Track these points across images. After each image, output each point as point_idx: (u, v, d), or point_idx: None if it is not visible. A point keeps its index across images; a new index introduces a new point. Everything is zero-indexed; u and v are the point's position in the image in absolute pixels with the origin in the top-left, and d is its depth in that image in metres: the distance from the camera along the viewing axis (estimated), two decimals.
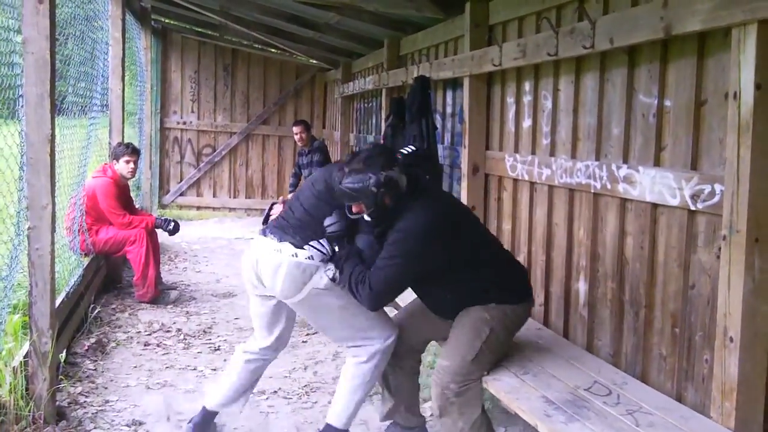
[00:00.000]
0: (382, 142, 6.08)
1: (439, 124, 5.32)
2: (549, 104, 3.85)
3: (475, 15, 4.54)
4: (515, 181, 4.22)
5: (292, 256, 3.12)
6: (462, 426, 2.99)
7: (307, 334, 5.21)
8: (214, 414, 3.53)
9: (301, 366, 4.56)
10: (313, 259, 3.13)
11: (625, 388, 2.84)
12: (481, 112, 4.59)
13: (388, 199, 2.95)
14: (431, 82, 5.14)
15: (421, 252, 2.93)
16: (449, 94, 5.34)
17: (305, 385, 4.24)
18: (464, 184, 4.64)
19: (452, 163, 5.16)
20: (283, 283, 3.15)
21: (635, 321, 3.10)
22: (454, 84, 5.20)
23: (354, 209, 3.01)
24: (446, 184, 5.26)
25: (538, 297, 3.94)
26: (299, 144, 8.20)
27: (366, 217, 3.01)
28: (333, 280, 3.13)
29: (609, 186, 3.23)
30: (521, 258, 4.15)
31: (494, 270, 3.11)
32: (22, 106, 3.83)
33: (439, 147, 5.13)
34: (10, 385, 3.38)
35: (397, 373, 3.42)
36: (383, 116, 6.62)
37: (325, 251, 3.15)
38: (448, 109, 5.36)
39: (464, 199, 4.63)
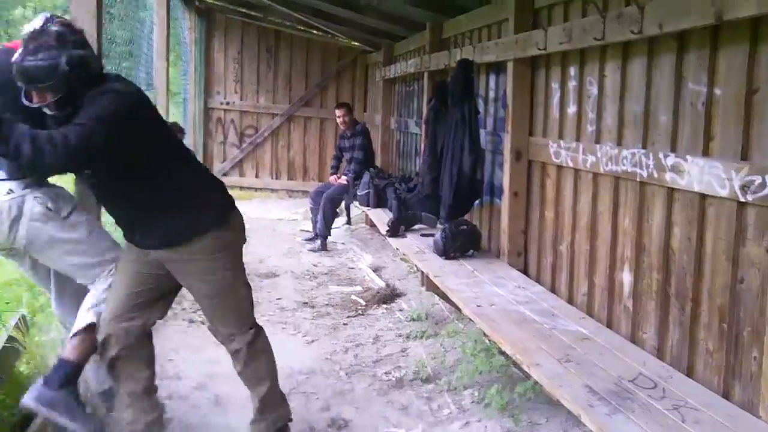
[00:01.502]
0: (423, 126, 6.05)
1: (481, 109, 5.26)
2: (595, 90, 3.78)
3: None
4: (559, 168, 4.16)
5: None
6: None
7: (348, 317, 5.25)
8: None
9: (341, 348, 4.60)
10: (12, 191, 2.89)
11: (671, 382, 2.80)
12: (525, 98, 4.53)
13: (77, 82, 2.59)
14: (474, 65, 5.08)
15: (118, 119, 2.55)
16: (492, 79, 5.28)
17: (346, 368, 4.27)
18: (506, 170, 4.59)
19: (494, 149, 5.11)
20: None
21: (681, 314, 3.04)
22: (498, 68, 5.13)
23: (35, 99, 2.63)
24: (488, 169, 5.21)
25: (581, 287, 3.90)
26: (341, 127, 8.22)
27: (48, 111, 2.64)
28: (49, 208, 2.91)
29: (656, 175, 3.16)
30: (563, 247, 4.10)
31: (199, 185, 2.91)
32: None
33: (481, 132, 5.08)
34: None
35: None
36: (425, 100, 6.58)
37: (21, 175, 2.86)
38: (491, 94, 5.30)
39: (506, 185, 4.59)
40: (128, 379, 3.00)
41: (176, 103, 9.65)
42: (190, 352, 4.36)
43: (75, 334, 2.91)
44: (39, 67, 2.52)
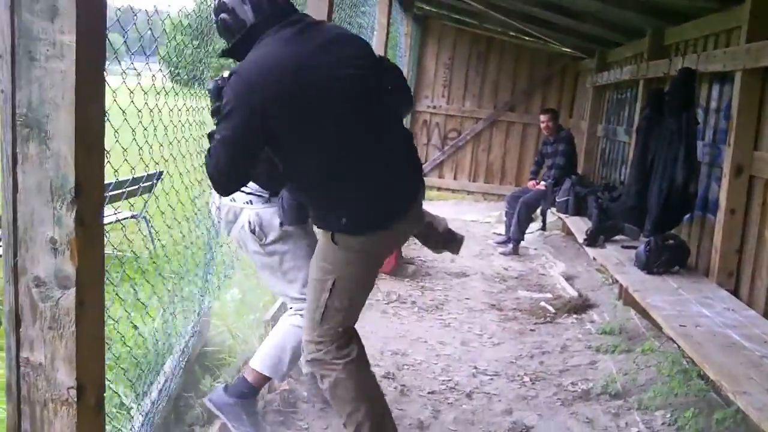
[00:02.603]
0: (634, 134, 5.80)
1: (700, 119, 4.95)
2: None
3: (757, 5, 4.15)
4: None
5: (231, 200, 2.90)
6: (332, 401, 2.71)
7: (536, 323, 5.16)
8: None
9: (527, 354, 4.54)
10: (234, 201, 2.88)
11: None
12: (752, 110, 4.19)
13: (233, 41, 2.44)
14: (697, 75, 4.79)
15: (245, 118, 2.29)
16: (715, 88, 4.94)
17: (530, 374, 4.21)
18: (724, 185, 4.27)
19: (711, 162, 4.78)
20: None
21: None
22: (722, 78, 4.80)
23: None
24: (702, 183, 4.88)
25: None
26: (545, 132, 8.08)
27: None
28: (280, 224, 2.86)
29: None
30: None
31: (354, 184, 2.46)
32: None
33: (699, 144, 4.78)
34: (260, 336, 3.73)
35: None
36: (637, 108, 6.30)
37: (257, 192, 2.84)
38: (713, 104, 4.96)
39: (723, 201, 4.27)
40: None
41: None
42: (379, 342, 4.50)
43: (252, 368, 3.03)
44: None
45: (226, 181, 2.40)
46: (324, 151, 2.42)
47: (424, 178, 2.75)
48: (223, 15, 2.41)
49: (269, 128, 2.32)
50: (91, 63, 1.42)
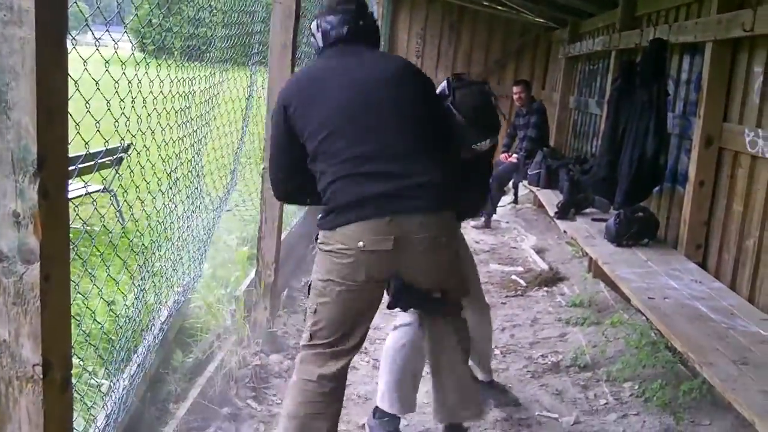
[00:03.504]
0: (606, 106, 5.82)
1: (671, 91, 4.97)
2: None
3: None
4: (753, 158, 3.84)
5: None
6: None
7: (507, 296, 5.19)
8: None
9: (498, 327, 4.56)
10: None
11: None
12: (722, 81, 4.21)
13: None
14: (668, 45, 4.80)
15: (275, 117, 2.61)
16: (686, 60, 4.96)
17: (501, 347, 4.24)
18: (694, 156, 4.31)
19: (682, 133, 4.81)
20: None
21: None
22: (693, 49, 4.81)
23: None
24: (672, 155, 4.92)
25: (765, 287, 3.60)
26: (517, 104, 8.06)
27: None
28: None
29: None
30: (750, 242, 3.80)
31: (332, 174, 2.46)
32: (255, 53, 4.10)
33: (669, 115, 4.80)
34: (235, 310, 3.71)
35: None
36: (609, 79, 6.31)
37: None
38: (683, 76, 4.98)
39: (692, 173, 4.31)
40: None
41: None
42: None
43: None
44: None
45: (275, 176, 2.71)
46: (318, 146, 2.49)
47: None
48: (311, 39, 2.71)
49: (290, 125, 2.54)
50: (52, 29, 1.36)
